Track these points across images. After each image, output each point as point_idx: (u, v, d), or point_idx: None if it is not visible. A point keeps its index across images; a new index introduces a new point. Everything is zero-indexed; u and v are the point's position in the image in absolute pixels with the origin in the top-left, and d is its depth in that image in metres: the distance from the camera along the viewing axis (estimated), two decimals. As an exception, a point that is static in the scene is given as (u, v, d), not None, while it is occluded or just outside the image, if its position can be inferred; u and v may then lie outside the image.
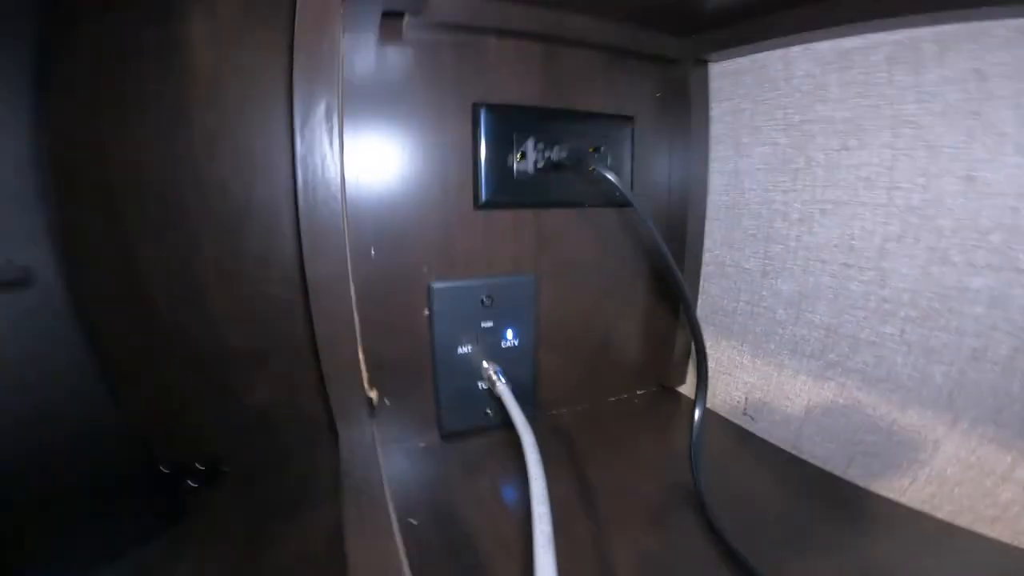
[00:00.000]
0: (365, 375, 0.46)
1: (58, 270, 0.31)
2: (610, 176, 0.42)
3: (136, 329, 0.42)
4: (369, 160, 0.43)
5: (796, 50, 0.43)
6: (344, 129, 0.40)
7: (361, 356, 0.45)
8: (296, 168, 0.38)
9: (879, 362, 0.41)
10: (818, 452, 0.46)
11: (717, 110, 0.51)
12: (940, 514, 0.38)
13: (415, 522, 0.40)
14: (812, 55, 0.42)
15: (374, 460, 0.42)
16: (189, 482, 0.45)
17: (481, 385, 0.50)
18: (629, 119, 0.51)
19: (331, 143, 0.39)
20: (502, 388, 0.45)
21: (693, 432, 0.42)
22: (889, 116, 0.38)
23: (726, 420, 0.54)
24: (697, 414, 0.43)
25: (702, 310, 0.56)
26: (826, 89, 0.42)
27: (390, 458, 0.48)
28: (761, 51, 0.46)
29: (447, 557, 0.36)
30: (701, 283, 0.56)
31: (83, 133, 0.37)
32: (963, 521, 0.37)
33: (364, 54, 0.41)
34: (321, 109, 0.39)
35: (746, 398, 0.52)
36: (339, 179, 0.40)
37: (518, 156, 0.47)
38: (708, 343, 0.56)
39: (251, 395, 0.47)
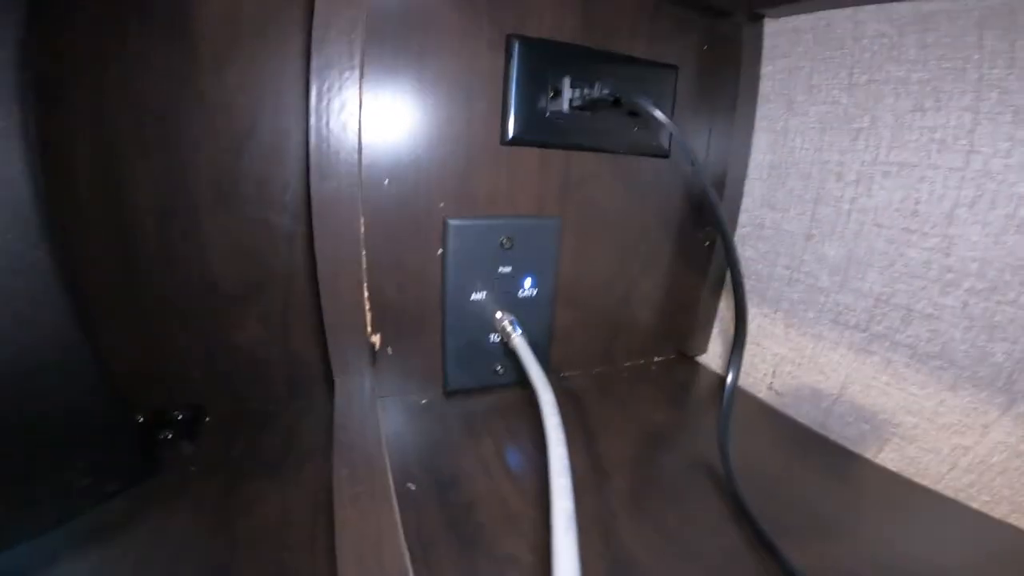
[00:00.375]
0: (368, 317, 0.42)
1: (32, 182, 0.26)
2: (658, 115, 0.38)
3: (117, 252, 0.38)
4: (391, 87, 0.39)
5: (869, 9, 0.40)
6: (367, 52, 0.36)
7: (366, 295, 0.41)
8: (310, 80, 0.34)
9: (933, 336, 0.38)
10: (849, 433, 0.43)
11: (769, 68, 0.48)
12: (975, 504, 0.36)
13: (413, 487, 0.35)
14: (887, 15, 0.39)
15: (372, 415, 0.38)
16: (166, 433, 0.40)
17: (493, 338, 0.46)
18: (673, 68, 0.47)
19: (351, 58, 0.35)
20: (518, 341, 0.41)
21: (723, 403, 0.39)
22: (974, 80, 0.35)
23: (748, 393, 0.51)
24: (729, 382, 0.39)
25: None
26: (901, 50, 0.38)
27: (387, 413, 0.44)
28: (826, 8, 0.43)
29: (448, 529, 0.32)
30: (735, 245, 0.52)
31: (78, 41, 0.33)
32: (999, 512, 0.35)
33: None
34: (343, 21, 0.34)
35: (774, 371, 0.49)
36: (357, 97, 0.35)
37: (551, 94, 0.43)
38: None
39: (239, 334, 0.42)
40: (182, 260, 0.39)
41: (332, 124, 0.36)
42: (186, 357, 0.42)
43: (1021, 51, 0.33)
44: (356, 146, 0.37)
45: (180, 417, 0.42)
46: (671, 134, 0.48)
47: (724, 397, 0.39)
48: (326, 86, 0.35)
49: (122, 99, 0.35)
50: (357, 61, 0.35)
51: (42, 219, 0.28)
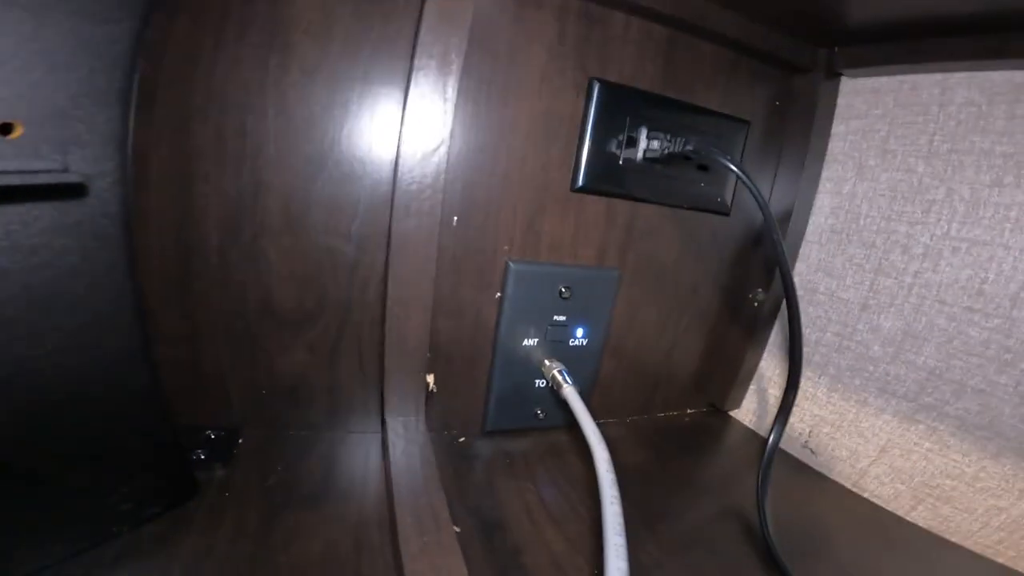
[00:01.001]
0: (427, 356, 0.41)
1: (114, 187, 0.25)
2: (746, 179, 0.37)
3: (176, 267, 0.36)
4: (472, 120, 0.38)
5: (959, 76, 0.40)
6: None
7: (428, 338, 0.40)
8: (406, 109, 0.33)
9: (983, 410, 0.38)
10: (883, 492, 0.44)
11: (842, 127, 0.48)
12: (1001, 559, 0.37)
13: (458, 529, 0.35)
14: (978, 83, 0.39)
15: (429, 460, 0.37)
16: (199, 452, 0.39)
17: (539, 383, 0.45)
18: (745, 123, 0.46)
19: (446, 87, 0.34)
20: (570, 393, 0.41)
21: (764, 460, 0.39)
22: None
23: (782, 450, 0.51)
24: (771, 441, 0.40)
25: (777, 335, 0.52)
26: (989, 120, 0.38)
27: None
28: (911, 72, 0.42)
29: (496, 574, 0.31)
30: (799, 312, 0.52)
31: (176, 48, 0.32)
32: (1023, 566, 0.36)
33: (493, 4, 0.36)
34: (447, 49, 0.33)
35: (810, 431, 0.49)
36: (447, 132, 0.34)
37: (625, 142, 0.42)
38: (778, 370, 0.53)
39: (285, 359, 0.41)
40: (240, 281, 0.38)
41: (422, 160, 0.35)
42: (228, 377, 0.41)
43: None
44: (441, 185, 0.36)
45: (213, 437, 0.41)
46: (734, 192, 0.47)
47: (766, 453, 0.39)
48: (418, 119, 0.34)
49: (208, 108, 0.34)
50: (451, 94, 0.34)
51: (126, 239, 0.26)
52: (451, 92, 0.34)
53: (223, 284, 0.38)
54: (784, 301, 0.41)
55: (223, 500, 0.35)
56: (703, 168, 0.45)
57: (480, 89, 0.37)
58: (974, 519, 0.39)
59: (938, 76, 0.41)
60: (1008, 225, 0.37)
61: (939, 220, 0.41)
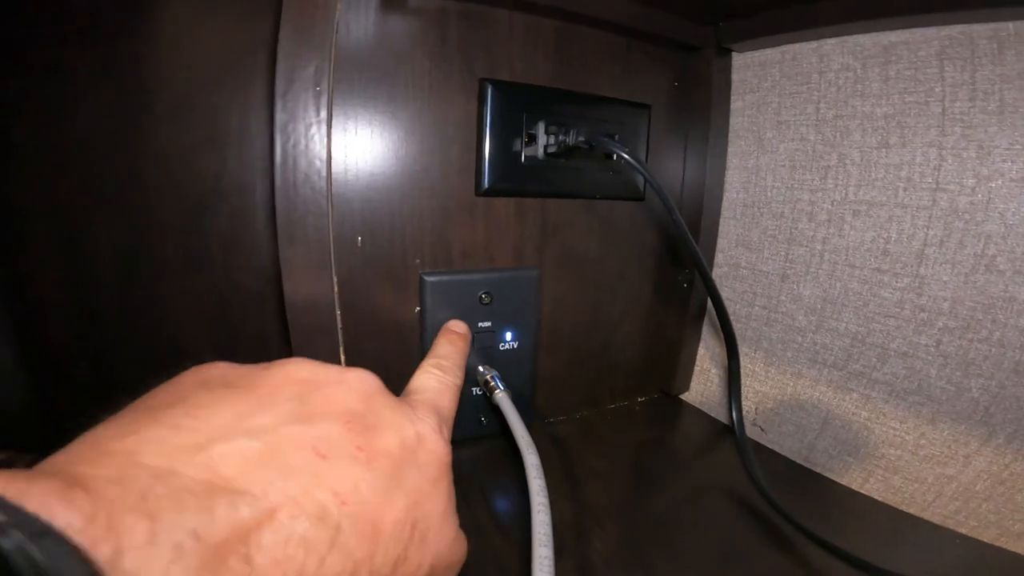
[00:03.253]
0: (346, 379, 0.40)
1: None
2: (635, 163, 0.37)
3: (76, 317, 0.35)
4: (361, 138, 0.37)
5: (831, 42, 0.40)
6: (334, 103, 0.34)
7: (343, 358, 0.39)
8: (275, 138, 0.32)
9: (910, 374, 0.38)
10: (833, 465, 0.44)
11: (739, 103, 0.48)
12: (963, 529, 0.37)
13: None
14: (850, 48, 0.39)
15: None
16: None
17: (476, 391, 0.45)
18: (646, 107, 0.47)
19: (318, 111, 0.33)
20: (501, 397, 0.40)
21: (736, 424, 0.43)
22: (937, 113, 0.35)
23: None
24: (735, 412, 0.43)
25: (712, 314, 0.52)
26: (866, 84, 0.39)
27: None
28: (792, 42, 0.43)
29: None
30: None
31: (31, 98, 0.31)
32: (987, 536, 0.36)
33: (362, 20, 0.36)
34: (309, 73, 0.33)
35: (756, 408, 0.49)
36: (325, 153, 0.34)
37: (526, 140, 0.42)
38: (719, 349, 0.53)
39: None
40: (143, 324, 0.37)
41: (299, 185, 0.34)
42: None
43: (982, 83, 0.33)
44: (325, 208, 0.35)
45: None
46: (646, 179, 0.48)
47: (733, 418, 0.43)
48: (291, 143, 0.33)
49: (76, 153, 0.33)
50: (324, 115, 0.34)
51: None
52: (323, 114, 0.33)
53: (128, 332, 0.37)
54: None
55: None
56: (609, 157, 0.45)
57: (365, 105, 0.37)
58: (927, 489, 0.38)
59: (814, 44, 0.42)
60: (900, 184, 0.38)
61: (836, 185, 0.41)
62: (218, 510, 0.13)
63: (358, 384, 0.21)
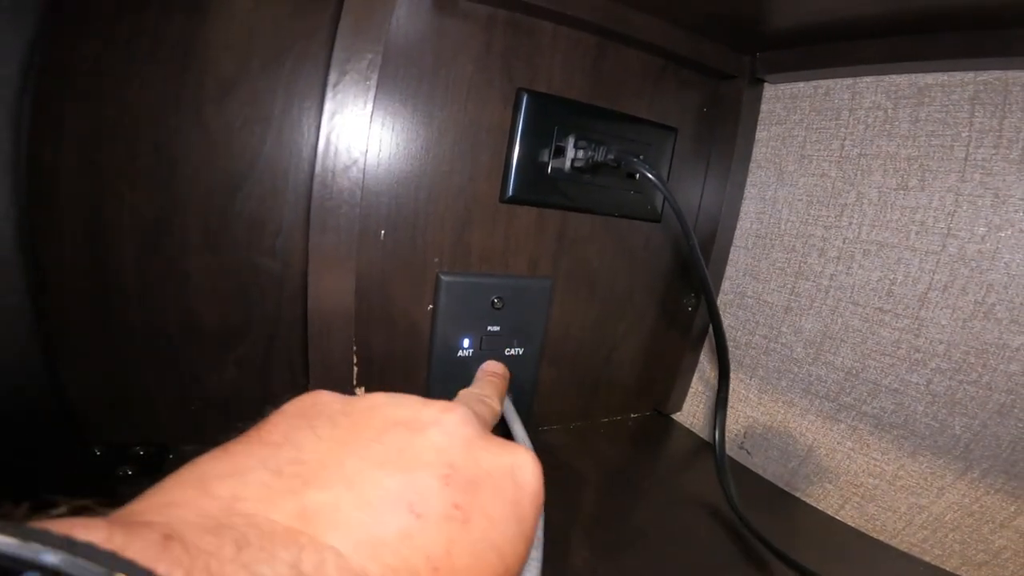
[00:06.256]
0: (355, 370, 0.41)
1: (9, 208, 0.24)
2: (662, 187, 0.38)
3: (92, 282, 0.35)
4: (396, 134, 0.38)
5: (867, 80, 0.41)
6: (376, 94, 0.35)
7: (354, 349, 0.40)
8: (321, 126, 0.32)
9: (898, 409, 0.40)
10: (813, 491, 0.45)
11: (764, 133, 0.49)
12: (928, 557, 0.39)
13: None
14: (885, 87, 0.40)
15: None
16: (125, 469, 0.38)
17: (478, 392, 0.45)
18: (673, 130, 0.48)
19: (365, 104, 0.34)
20: (507, 406, 0.41)
21: (716, 443, 0.43)
22: (960, 158, 0.36)
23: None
24: (718, 433, 0.43)
25: (712, 339, 0.54)
26: (895, 124, 0.40)
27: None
28: (827, 78, 0.44)
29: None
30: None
31: (81, 62, 0.31)
32: (950, 565, 0.38)
33: (413, 18, 0.36)
34: (363, 65, 0.33)
35: (744, 432, 0.51)
36: (365, 145, 0.34)
37: (553, 151, 0.43)
38: (715, 373, 0.54)
39: (214, 376, 0.40)
40: (161, 297, 0.37)
41: (338, 175, 0.35)
42: (155, 394, 0.40)
43: (1008, 130, 0.34)
44: (358, 200, 0.36)
45: (142, 453, 0.40)
46: (664, 200, 0.49)
47: (716, 439, 0.44)
48: (335, 133, 0.34)
49: (118, 124, 0.32)
50: (370, 108, 0.34)
51: (23, 260, 0.26)
52: (368, 107, 0.34)
53: (143, 302, 0.37)
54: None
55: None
56: (632, 176, 0.46)
57: (404, 102, 0.37)
58: (898, 517, 0.40)
59: (849, 81, 0.42)
60: (914, 228, 0.39)
61: (851, 223, 0.42)
62: (304, 566, 0.13)
63: (456, 428, 0.20)
